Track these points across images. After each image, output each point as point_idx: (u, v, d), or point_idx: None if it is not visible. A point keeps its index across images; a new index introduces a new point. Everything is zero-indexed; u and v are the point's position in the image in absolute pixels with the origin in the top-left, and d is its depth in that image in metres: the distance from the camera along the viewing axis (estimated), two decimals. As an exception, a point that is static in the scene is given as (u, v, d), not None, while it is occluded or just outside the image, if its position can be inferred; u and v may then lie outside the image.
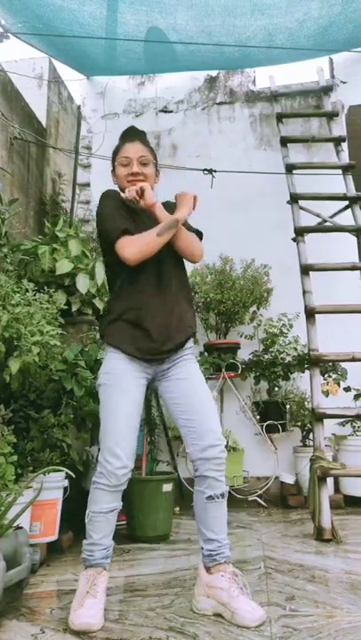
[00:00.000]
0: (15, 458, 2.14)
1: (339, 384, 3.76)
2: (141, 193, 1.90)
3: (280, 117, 4.61)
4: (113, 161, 2.06)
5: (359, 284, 3.61)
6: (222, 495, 1.83)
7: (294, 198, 3.99)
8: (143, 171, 2.00)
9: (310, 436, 3.74)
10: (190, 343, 1.98)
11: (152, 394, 3.16)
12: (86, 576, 1.79)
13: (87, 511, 1.84)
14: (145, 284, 1.92)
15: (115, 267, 1.97)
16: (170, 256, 1.96)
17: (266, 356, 4.05)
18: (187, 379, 1.92)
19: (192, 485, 3.83)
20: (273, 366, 3.98)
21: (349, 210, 4.01)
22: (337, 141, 4.41)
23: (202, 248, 2.02)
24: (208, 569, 1.82)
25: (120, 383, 1.87)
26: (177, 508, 3.54)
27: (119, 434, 1.82)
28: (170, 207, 2.02)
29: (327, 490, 2.90)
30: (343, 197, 4.02)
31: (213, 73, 4.98)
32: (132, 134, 2.07)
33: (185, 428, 1.88)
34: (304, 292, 3.50)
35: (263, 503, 3.76)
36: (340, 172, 4.21)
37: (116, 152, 2.06)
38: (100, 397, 1.90)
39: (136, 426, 1.87)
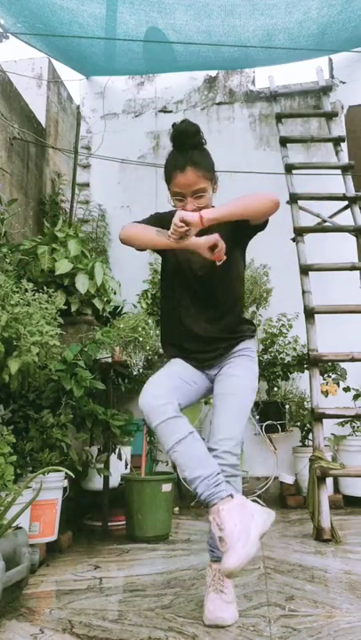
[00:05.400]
0: (14, 458, 2.14)
1: (338, 384, 3.76)
2: None
3: (279, 117, 4.61)
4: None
5: (358, 284, 3.61)
6: None
7: (294, 198, 3.99)
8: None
9: (310, 436, 3.74)
10: (241, 346, 1.93)
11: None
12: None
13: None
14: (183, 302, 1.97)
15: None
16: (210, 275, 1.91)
17: (265, 356, 4.04)
18: (218, 383, 1.93)
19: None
20: (272, 366, 3.98)
21: (349, 210, 4.01)
22: (336, 141, 4.41)
23: (264, 199, 1.81)
24: None
25: (178, 360, 1.95)
26: (176, 509, 3.54)
27: (157, 377, 1.85)
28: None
29: (326, 490, 2.90)
30: (343, 197, 4.02)
31: (213, 73, 4.98)
32: None
33: None
34: (303, 292, 3.50)
35: (262, 503, 3.75)
36: (339, 172, 4.22)
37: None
38: None
39: (179, 384, 1.83)
